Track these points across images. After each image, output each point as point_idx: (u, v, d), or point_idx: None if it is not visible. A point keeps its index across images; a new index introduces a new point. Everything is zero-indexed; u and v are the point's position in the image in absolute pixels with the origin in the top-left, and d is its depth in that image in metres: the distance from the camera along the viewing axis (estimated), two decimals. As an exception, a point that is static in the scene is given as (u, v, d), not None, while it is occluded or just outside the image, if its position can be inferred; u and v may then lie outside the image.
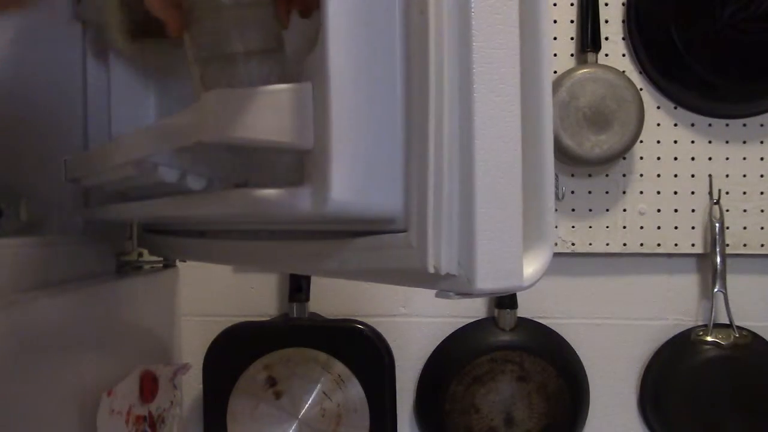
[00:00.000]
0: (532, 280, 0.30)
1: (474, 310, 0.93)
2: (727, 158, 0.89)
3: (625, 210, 0.90)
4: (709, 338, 0.88)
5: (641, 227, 0.90)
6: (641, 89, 0.88)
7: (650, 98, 0.89)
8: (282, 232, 0.43)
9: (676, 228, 0.90)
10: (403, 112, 0.30)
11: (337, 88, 0.29)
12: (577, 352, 0.91)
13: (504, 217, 0.28)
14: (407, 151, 0.30)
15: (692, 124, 0.90)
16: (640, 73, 0.89)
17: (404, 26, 0.30)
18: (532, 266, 0.30)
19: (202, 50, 0.43)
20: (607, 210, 0.90)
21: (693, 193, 0.90)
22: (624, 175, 0.90)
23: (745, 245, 0.90)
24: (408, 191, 0.30)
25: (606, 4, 0.89)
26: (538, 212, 0.32)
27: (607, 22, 0.89)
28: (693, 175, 0.90)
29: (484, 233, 0.28)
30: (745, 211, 0.89)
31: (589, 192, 0.90)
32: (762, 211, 0.89)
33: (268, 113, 0.31)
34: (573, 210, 0.90)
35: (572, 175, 0.90)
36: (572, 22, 0.90)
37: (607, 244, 0.90)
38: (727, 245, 0.88)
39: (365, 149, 0.30)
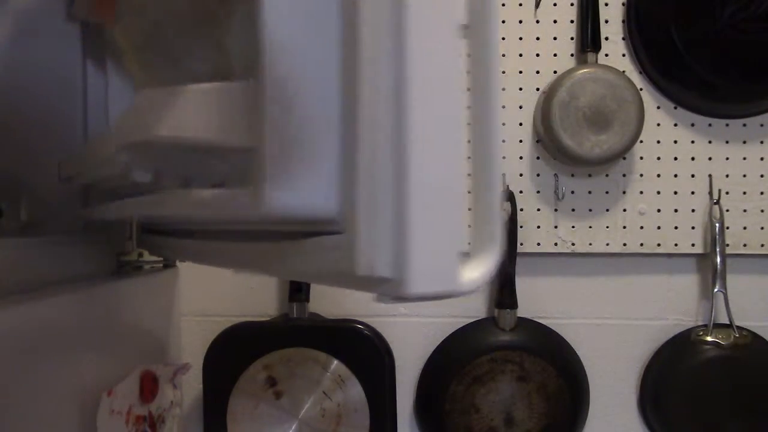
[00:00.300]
0: (473, 285, 0.29)
1: (474, 310, 0.93)
2: (727, 158, 0.89)
3: (625, 210, 0.90)
4: (709, 338, 0.88)
5: (641, 227, 0.90)
6: (641, 89, 0.88)
7: (650, 98, 0.89)
8: (260, 232, 0.43)
9: (676, 228, 0.90)
10: (340, 109, 0.29)
11: (272, 86, 0.28)
12: (577, 352, 0.91)
13: (441, 218, 0.27)
14: (343, 149, 0.29)
15: (692, 124, 0.90)
16: (640, 73, 0.89)
17: (342, 18, 0.29)
18: (476, 271, 0.29)
19: (137, 37, 0.43)
20: (607, 210, 0.90)
21: (693, 193, 0.90)
22: (624, 175, 0.90)
23: (745, 245, 0.90)
24: (344, 191, 0.29)
25: (606, 4, 0.89)
26: (485, 215, 0.30)
27: (607, 22, 0.89)
28: (693, 175, 0.90)
29: (417, 235, 0.26)
30: (745, 211, 0.89)
31: (589, 192, 0.90)
32: (762, 211, 0.89)
33: (197, 112, 0.31)
34: (573, 210, 0.90)
35: (572, 175, 0.90)
36: (572, 22, 0.90)
37: (607, 244, 0.90)
38: (727, 245, 0.88)
39: (301, 148, 0.29)
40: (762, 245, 0.89)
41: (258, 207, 0.29)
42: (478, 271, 0.29)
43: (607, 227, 0.90)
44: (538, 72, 0.90)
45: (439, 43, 0.27)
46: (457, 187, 0.27)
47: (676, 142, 0.90)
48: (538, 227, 0.90)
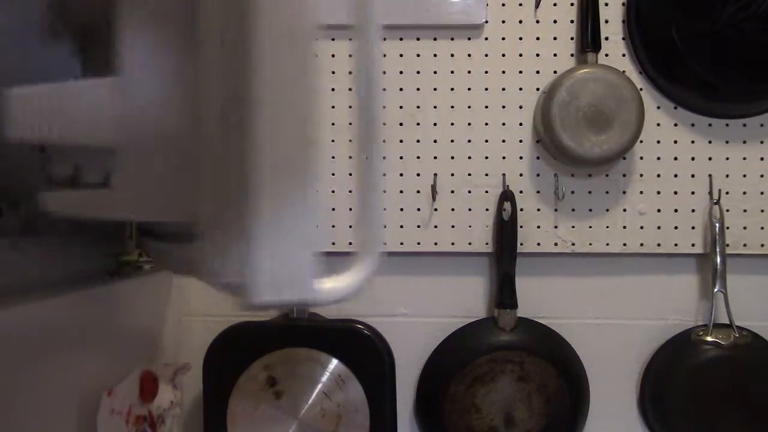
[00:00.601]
0: (334, 295, 0.28)
1: (474, 310, 0.93)
2: (727, 158, 0.89)
3: (625, 210, 0.90)
4: (709, 338, 0.88)
5: (641, 227, 0.90)
6: (641, 89, 0.87)
7: (650, 98, 0.89)
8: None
9: (676, 228, 0.90)
10: (187, 112, 0.28)
11: (126, 84, 0.28)
12: (577, 352, 0.91)
13: (290, 227, 0.26)
14: (191, 152, 0.28)
15: (692, 124, 0.90)
16: (640, 73, 0.89)
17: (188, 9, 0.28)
18: (344, 281, 0.29)
19: None
20: (607, 210, 0.90)
21: (693, 193, 0.90)
22: (624, 175, 0.90)
23: (745, 245, 0.89)
24: (197, 194, 0.28)
25: (606, 4, 0.89)
26: (365, 218, 0.29)
27: (607, 22, 0.89)
28: (693, 175, 0.90)
29: (263, 244, 0.25)
30: (745, 211, 0.89)
31: (589, 192, 0.90)
32: (762, 211, 0.89)
33: (64, 110, 0.30)
34: (573, 210, 0.90)
35: (572, 175, 0.90)
36: (572, 22, 0.90)
37: (607, 244, 0.90)
38: (727, 245, 0.88)
39: (159, 150, 0.28)
40: (762, 245, 0.89)
41: (116, 208, 0.28)
42: (345, 281, 0.28)
43: (607, 227, 0.90)
44: (538, 72, 0.90)
45: (294, 44, 0.26)
46: (309, 193, 0.26)
47: (676, 142, 0.90)
48: (538, 227, 0.90)
